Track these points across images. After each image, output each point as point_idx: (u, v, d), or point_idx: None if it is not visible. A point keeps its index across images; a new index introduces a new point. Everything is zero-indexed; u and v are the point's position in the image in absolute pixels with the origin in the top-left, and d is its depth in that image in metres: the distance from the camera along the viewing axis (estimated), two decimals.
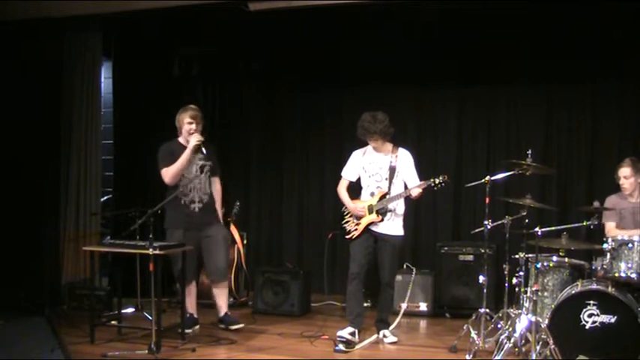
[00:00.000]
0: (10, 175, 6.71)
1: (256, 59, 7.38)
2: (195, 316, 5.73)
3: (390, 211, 5.32)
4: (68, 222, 6.86)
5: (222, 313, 5.70)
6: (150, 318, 5.26)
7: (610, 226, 5.38)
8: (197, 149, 5.43)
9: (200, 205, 5.55)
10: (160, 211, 5.12)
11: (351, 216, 5.42)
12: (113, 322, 5.61)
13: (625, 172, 5.33)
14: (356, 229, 5.36)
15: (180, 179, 5.48)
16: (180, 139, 5.59)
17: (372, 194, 5.38)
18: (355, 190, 5.54)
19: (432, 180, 5.19)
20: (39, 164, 6.85)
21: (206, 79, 7.60)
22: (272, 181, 7.71)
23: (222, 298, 5.70)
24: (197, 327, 5.71)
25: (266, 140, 7.72)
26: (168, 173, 5.45)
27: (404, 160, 5.39)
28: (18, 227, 6.68)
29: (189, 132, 5.47)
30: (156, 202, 5.24)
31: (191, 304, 5.69)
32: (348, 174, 5.53)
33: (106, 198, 7.65)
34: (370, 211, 5.31)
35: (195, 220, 5.54)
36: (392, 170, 5.35)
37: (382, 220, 5.30)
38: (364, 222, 5.33)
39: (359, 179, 5.50)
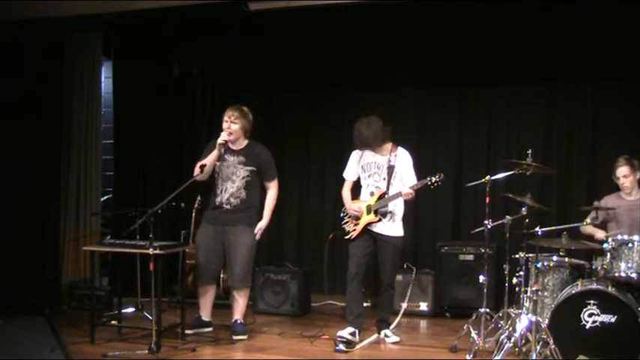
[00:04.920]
0: (10, 175, 6.71)
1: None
2: (204, 318, 5.58)
3: (390, 211, 5.32)
4: (68, 222, 6.86)
5: (232, 320, 5.52)
6: (150, 318, 5.26)
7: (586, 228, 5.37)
8: (220, 148, 5.30)
9: (228, 207, 5.41)
10: (160, 211, 5.10)
11: (350, 216, 5.41)
12: (113, 322, 5.60)
13: (623, 171, 5.32)
14: (355, 230, 5.35)
15: (211, 177, 5.41)
16: None
17: (372, 194, 5.37)
18: (357, 189, 5.53)
19: (428, 179, 5.17)
20: (39, 164, 6.85)
21: (206, 79, 7.60)
22: None
23: (235, 304, 5.50)
24: (207, 330, 5.57)
25: (266, 140, 7.66)
26: (195, 167, 5.33)
27: (403, 159, 5.38)
28: (18, 227, 6.69)
29: (225, 131, 5.34)
30: (156, 202, 5.22)
31: (204, 306, 5.58)
32: (349, 174, 5.53)
33: (106, 198, 7.65)
34: (368, 211, 5.31)
35: (221, 215, 5.42)
36: (390, 170, 5.34)
37: (380, 220, 5.29)
38: (363, 222, 5.33)
39: (359, 178, 5.50)
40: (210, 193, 5.56)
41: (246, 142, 5.48)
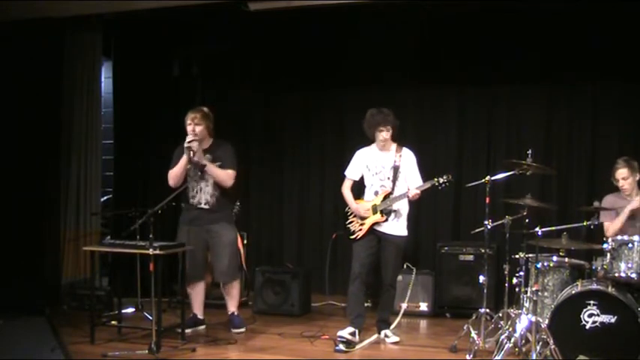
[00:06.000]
0: (11, 175, 6.71)
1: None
2: (200, 316, 5.72)
3: (394, 211, 5.32)
4: (68, 222, 6.87)
5: (229, 313, 5.72)
6: (150, 318, 5.26)
7: (607, 225, 5.36)
8: (189, 151, 5.36)
9: (206, 207, 5.53)
10: (160, 211, 5.12)
11: (355, 216, 5.41)
12: (113, 322, 5.61)
13: (622, 173, 5.28)
14: (360, 230, 5.35)
15: (184, 181, 5.50)
16: None
17: (376, 193, 5.37)
18: (359, 189, 5.53)
19: (435, 180, 5.19)
20: (39, 164, 6.86)
21: (206, 79, 7.61)
22: (272, 181, 7.70)
23: (228, 299, 5.70)
24: (201, 327, 5.71)
25: (266, 140, 7.71)
26: (169, 175, 5.49)
27: (407, 159, 5.39)
28: (18, 227, 6.69)
29: (189, 134, 5.43)
30: (156, 202, 5.23)
31: (196, 304, 5.69)
32: (352, 173, 5.52)
33: (106, 198, 7.66)
34: (374, 211, 5.30)
35: (200, 216, 5.54)
36: (395, 170, 5.34)
37: (386, 219, 5.29)
38: (369, 222, 5.32)
39: (362, 178, 5.50)
40: (183, 195, 5.61)
41: (211, 140, 5.60)
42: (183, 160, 5.41)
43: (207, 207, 5.53)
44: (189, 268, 5.56)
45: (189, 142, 5.34)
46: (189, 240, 5.52)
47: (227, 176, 5.50)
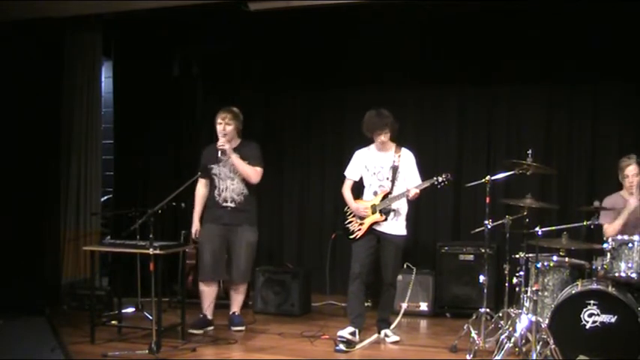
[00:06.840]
0: (11, 175, 6.71)
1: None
2: (209, 317, 5.70)
3: (393, 210, 5.32)
4: (68, 222, 6.87)
5: (230, 313, 5.77)
6: (150, 318, 5.26)
7: (606, 227, 5.35)
8: (222, 153, 5.48)
9: (232, 205, 5.58)
10: (160, 211, 5.12)
11: (354, 216, 5.41)
12: (113, 322, 5.61)
13: (633, 169, 5.24)
14: (360, 229, 5.35)
15: (209, 178, 5.64)
16: None
17: (375, 193, 5.37)
18: (359, 189, 5.53)
19: (435, 178, 5.19)
20: (39, 164, 6.86)
21: (206, 79, 7.61)
22: (272, 181, 7.66)
23: (234, 297, 5.77)
24: (210, 328, 5.69)
25: (266, 140, 7.67)
26: (196, 196, 5.70)
27: (406, 160, 5.39)
28: (18, 227, 6.69)
29: (219, 133, 5.51)
30: (156, 202, 5.23)
31: (207, 304, 5.68)
32: (351, 173, 5.52)
33: (106, 198, 7.66)
34: (374, 211, 5.30)
35: (225, 214, 5.58)
36: (394, 170, 5.34)
37: (386, 219, 5.29)
38: (368, 222, 5.32)
39: (362, 178, 5.50)
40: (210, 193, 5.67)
41: (239, 140, 5.67)
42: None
43: (232, 205, 5.57)
44: (211, 265, 5.59)
45: (222, 144, 5.43)
46: (212, 237, 5.57)
47: (254, 172, 5.57)
